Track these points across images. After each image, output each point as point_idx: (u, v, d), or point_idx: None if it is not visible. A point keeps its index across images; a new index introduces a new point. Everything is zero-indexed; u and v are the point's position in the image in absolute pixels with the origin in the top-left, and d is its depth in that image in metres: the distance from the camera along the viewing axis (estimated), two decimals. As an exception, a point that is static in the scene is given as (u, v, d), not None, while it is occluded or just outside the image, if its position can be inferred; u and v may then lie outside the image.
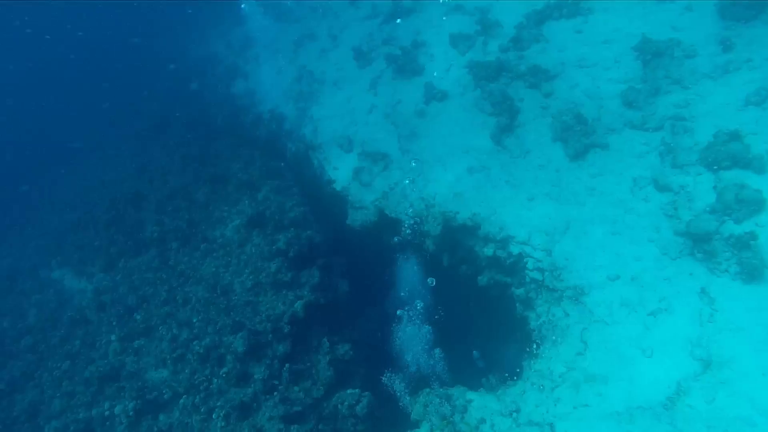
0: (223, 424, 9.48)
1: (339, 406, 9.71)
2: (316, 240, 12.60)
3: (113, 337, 11.78)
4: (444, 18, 14.63)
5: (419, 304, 11.97)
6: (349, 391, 9.86)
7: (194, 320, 11.18)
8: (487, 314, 11.71)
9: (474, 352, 11.40)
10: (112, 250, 14.29)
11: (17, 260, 17.38)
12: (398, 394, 9.23)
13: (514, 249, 9.73)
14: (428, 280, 10.92)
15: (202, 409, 9.91)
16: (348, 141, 13.32)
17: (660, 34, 10.31)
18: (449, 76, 13.20)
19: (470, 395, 7.88)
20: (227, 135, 18.88)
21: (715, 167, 8.27)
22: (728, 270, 7.25)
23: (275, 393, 9.83)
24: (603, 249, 8.57)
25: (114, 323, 12.17)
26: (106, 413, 10.45)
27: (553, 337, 8.63)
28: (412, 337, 10.85)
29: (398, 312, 11.15)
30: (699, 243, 7.70)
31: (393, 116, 12.98)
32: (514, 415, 7.22)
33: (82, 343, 12.17)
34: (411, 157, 11.84)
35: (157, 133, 21.49)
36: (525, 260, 9.62)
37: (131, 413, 10.13)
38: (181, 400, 10.20)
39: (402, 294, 12.23)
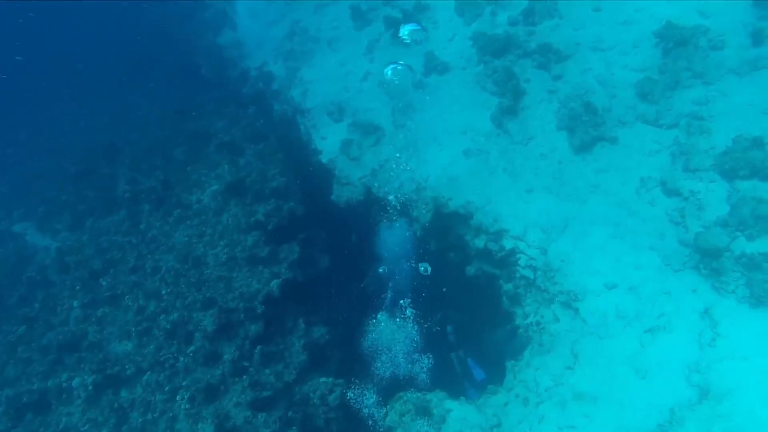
0: (187, 406, 8.99)
1: (311, 394, 9.27)
2: (299, 212, 11.86)
3: (75, 303, 11.12)
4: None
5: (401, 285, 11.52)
6: (322, 380, 9.40)
7: (163, 292, 10.53)
8: (472, 303, 11.23)
9: (447, 327, 11.06)
10: (80, 207, 13.44)
11: (-24, 208, 16.42)
12: (367, 409, 8.82)
13: (507, 243, 9.14)
14: (421, 267, 10.39)
15: (166, 388, 9.41)
16: (338, 109, 12.39)
17: (686, 19, 9.41)
18: (452, 46, 12.21)
19: (449, 404, 7.44)
20: (213, 88, 17.72)
21: (732, 175, 7.64)
22: (735, 291, 6.74)
23: (245, 376, 9.33)
24: (602, 253, 8.01)
25: (77, 288, 11.47)
26: (64, 385, 9.90)
27: (540, 342, 8.18)
28: (392, 324, 10.44)
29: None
30: (706, 258, 7.15)
31: (389, 87, 12.04)
32: (495, 430, 6.81)
33: (42, 307, 11.47)
34: (405, 132, 11.02)
35: (138, 79, 20.14)
36: (517, 256, 9.06)
37: (90, 387, 9.60)
38: (145, 377, 9.67)
39: (385, 271, 11.73)
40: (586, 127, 9.08)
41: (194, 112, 16.35)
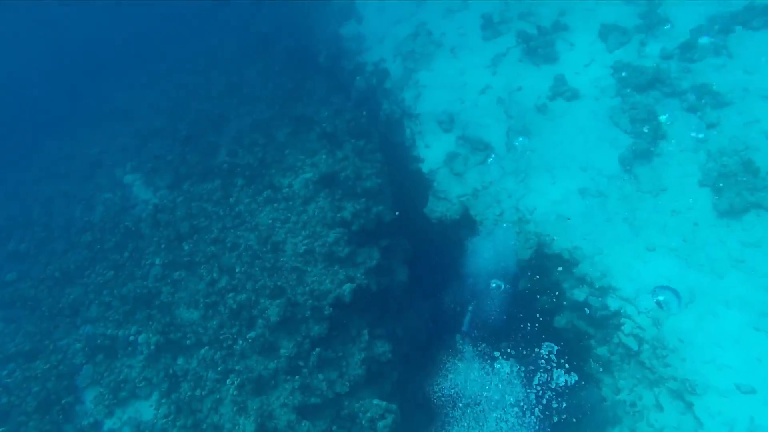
0: (235, 392, 8.75)
1: (360, 414, 8.64)
2: (386, 218, 11.32)
3: (158, 261, 11.38)
4: None
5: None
6: (375, 402, 8.75)
7: (237, 270, 10.43)
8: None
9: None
10: (181, 169, 13.86)
11: (103, 152, 17.66)
12: None
13: (613, 303, 7.93)
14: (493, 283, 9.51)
15: (219, 368, 9.25)
16: (450, 119, 11.66)
17: None
18: (587, 72, 11.00)
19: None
20: (326, 76, 17.74)
21: None
22: None
23: (297, 377, 8.92)
24: (737, 345, 6.59)
25: (162, 246, 11.74)
26: (131, 338, 10.10)
27: (633, 429, 6.92)
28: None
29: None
30: None
31: (508, 104, 11.12)
32: None
33: (130, 257, 11.90)
34: (518, 154, 10.05)
35: (256, 56, 20.72)
36: (621, 321, 7.81)
37: (153, 347, 9.69)
38: (202, 351, 9.59)
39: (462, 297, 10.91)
40: (740, 189, 7.61)
41: (304, 97, 16.40)
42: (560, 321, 9.09)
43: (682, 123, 8.96)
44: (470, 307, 10.54)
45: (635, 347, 7.58)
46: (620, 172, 9.10)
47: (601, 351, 8.31)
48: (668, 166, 8.72)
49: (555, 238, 8.60)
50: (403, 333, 11.35)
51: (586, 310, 8.35)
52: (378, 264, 10.67)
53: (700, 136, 8.63)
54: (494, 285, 9.75)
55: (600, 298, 8.10)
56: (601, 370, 8.47)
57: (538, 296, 9.50)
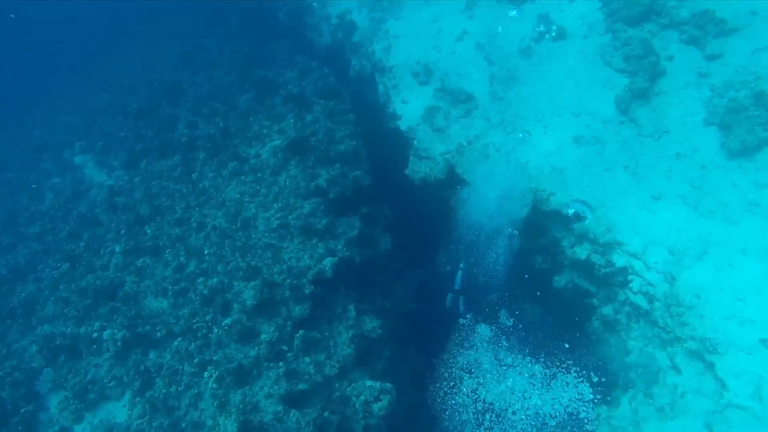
0: (214, 385, 7.94)
1: (353, 398, 7.98)
2: (365, 183, 10.40)
3: (118, 248, 10.34)
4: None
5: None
6: (368, 383, 8.07)
7: (205, 252, 9.49)
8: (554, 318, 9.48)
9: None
10: (137, 146, 12.64)
11: (47, 133, 16.18)
12: None
13: (618, 260, 7.31)
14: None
15: (195, 360, 8.43)
16: (426, 70, 10.67)
17: None
18: (572, 8, 10.07)
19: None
20: (287, 35, 16.37)
21: None
22: None
23: (281, 363, 8.16)
24: (759, 297, 6.03)
25: (122, 231, 10.69)
26: (95, 335, 9.17)
27: (649, 393, 6.41)
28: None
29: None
30: None
31: (489, 50, 10.17)
32: None
33: (87, 246, 10.82)
34: (504, 105, 9.19)
35: (211, 21, 19.10)
36: (629, 278, 7.21)
37: (119, 343, 8.79)
38: (175, 342, 8.73)
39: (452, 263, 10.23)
40: (752, 125, 6.93)
41: (264, 60, 15.12)
42: (559, 281, 8.50)
43: (683, 57, 8.18)
44: (462, 264, 9.86)
45: (645, 305, 7.01)
46: (617, 116, 8.36)
47: (606, 310, 7.76)
48: (669, 106, 8.00)
49: (552, 192, 7.86)
50: (391, 306, 10.67)
51: (589, 267, 7.73)
52: (360, 233, 9.84)
53: (702, 69, 7.87)
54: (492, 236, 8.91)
55: (604, 256, 7.47)
56: (602, 329, 7.97)
57: (537, 258, 8.88)
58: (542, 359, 8.21)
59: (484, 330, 8.66)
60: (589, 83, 8.92)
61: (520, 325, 9.28)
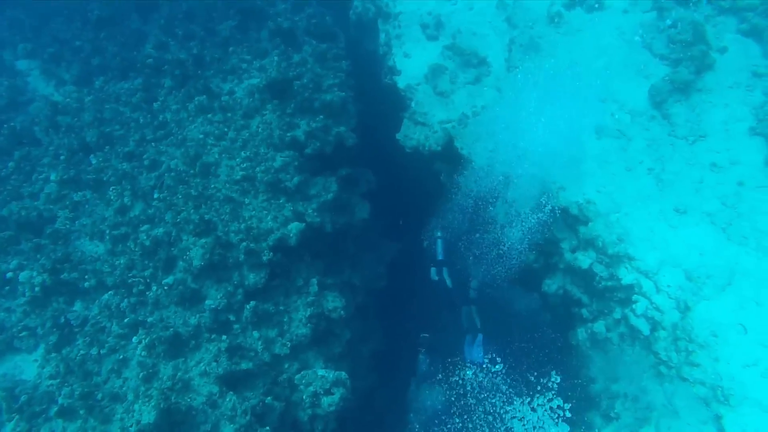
0: (144, 353, 6.83)
1: (301, 387, 7.00)
2: (349, 142, 9.13)
3: (54, 176, 8.90)
4: None
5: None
6: (320, 373, 7.09)
7: (155, 196, 8.17)
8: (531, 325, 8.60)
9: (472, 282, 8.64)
10: (93, 60, 10.95)
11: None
12: None
13: (625, 276, 6.34)
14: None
15: (125, 320, 7.27)
16: (436, 23, 9.25)
17: None
18: (614, -24, 8.73)
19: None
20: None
21: None
22: None
23: (224, 336, 7.08)
24: (788, 347, 5.17)
25: (62, 157, 9.22)
26: (9, 275, 7.86)
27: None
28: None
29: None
30: None
31: (513, 10, 8.78)
32: None
33: (16, 168, 9.30)
34: (520, 75, 7.92)
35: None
36: (634, 299, 6.27)
37: (37, 288, 7.53)
38: (105, 296, 7.53)
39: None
40: (809, 144, 5.91)
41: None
42: (550, 286, 7.54)
43: (738, 50, 7.03)
44: (438, 233, 8.84)
45: (645, 331, 6.11)
46: (648, 109, 7.24)
47: (598, 327, 6.86)
48: (712, 106, 6.89)
49: (563, 187, 6.78)
50: (360, 281, 9.64)
51: (589, 277, 6.77)
52: (335, 198, 8.66)
53: (760, 69, 6.75)
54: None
55: (609, 268, 6.50)
56: (588, 346, 7.11)
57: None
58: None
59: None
60: (622, 66, 7.73)
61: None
